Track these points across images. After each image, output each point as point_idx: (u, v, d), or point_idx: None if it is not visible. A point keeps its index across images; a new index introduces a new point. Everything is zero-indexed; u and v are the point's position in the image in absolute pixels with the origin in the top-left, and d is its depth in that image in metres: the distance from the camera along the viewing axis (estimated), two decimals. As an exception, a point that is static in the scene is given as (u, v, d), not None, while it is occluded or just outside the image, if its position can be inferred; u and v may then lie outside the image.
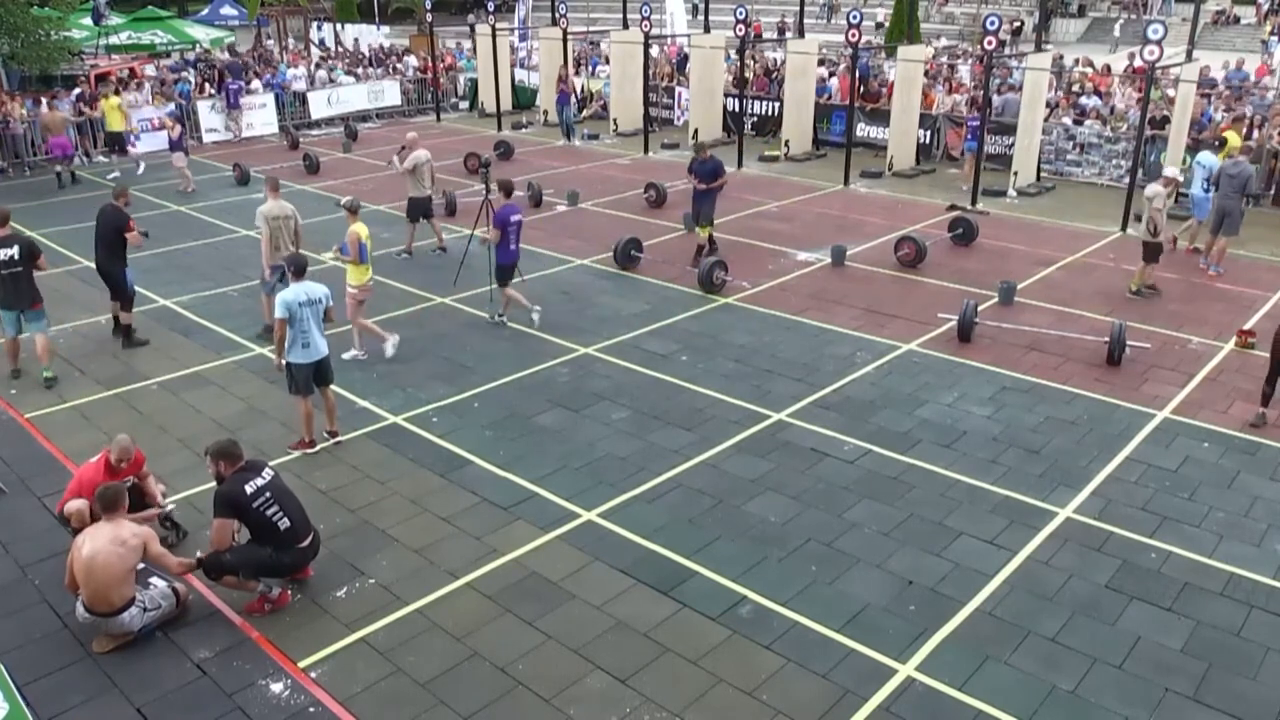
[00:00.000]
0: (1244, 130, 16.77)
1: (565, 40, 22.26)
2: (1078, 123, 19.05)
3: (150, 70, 25.18)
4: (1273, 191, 16.74)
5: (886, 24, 35.53)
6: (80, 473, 6.85)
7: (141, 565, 6.06)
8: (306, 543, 6.42)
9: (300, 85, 25.22)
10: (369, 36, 35.04)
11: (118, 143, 20.74)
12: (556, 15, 22.88)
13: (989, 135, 17.74)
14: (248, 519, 6.20)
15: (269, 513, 6.20)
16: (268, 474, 6.36)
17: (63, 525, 6.78)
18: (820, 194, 17.75)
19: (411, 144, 13.84)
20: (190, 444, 8.49)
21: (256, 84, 24.35)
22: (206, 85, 24.16)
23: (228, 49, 30.56)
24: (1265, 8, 38.95)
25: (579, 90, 25.28)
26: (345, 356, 10.09)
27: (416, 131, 15.17)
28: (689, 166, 13.49)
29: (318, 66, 27.05)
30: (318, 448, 8.40)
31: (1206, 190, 13.30)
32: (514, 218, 10.86)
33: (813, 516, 7.39)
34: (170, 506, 7.17)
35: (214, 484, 6.35)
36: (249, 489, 6.16)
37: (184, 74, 25.07)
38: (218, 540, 6.17)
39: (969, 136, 17.65)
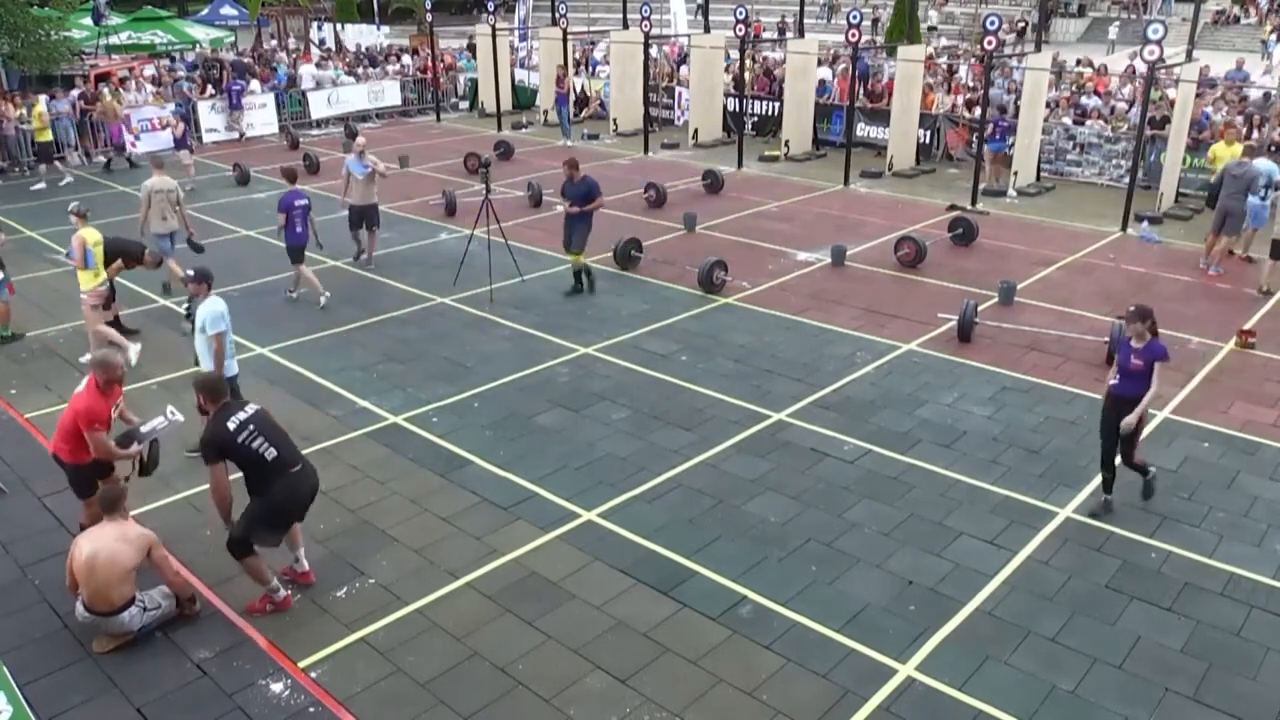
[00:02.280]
0: (1244, 133, 16.77)
1: (565, 40, 22.26)
2: (1078, 123, 19.05)
3: (150, 70, 25.15)
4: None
5: (887, 23, 35.53)
6: (74, 403, 6.51)
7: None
8: (298, 468, 6.24)
9: (309, 84, 25.22)
10: (369, 37, 35.04)
11: (45, 154, 18.86)
12: (556, 15, 22.88)
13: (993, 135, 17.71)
14: (236, 456, 6.03)
15: (254, 445, 6.03)
16: (251, 408, 6.25)
17: (59, 464, 6.67)
18: (820, 194, 17.75)
19: (364, 147, 13.32)
20: (190, 444, 8.48)
21: (255, 84, 24.34)
22: (208, 85, 24.15)
23: (234, 49, 30.54)
24: (1265, 8, 38.96)
25: (576, 90, 25.25)
26: (83, 360, 9.95)
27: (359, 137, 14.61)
28: (561, 188, 12.28)
29: (319, 66, 27.05)
30: None
31: (1264, 198, 13.22)
32: (298, 203, 11.66)
33: (813, 516, 7.39)
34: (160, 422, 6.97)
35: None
36: (231, 424, 6.03)
37: (186, 73, 25.06)
38: (217, 489, 6.04)
39: (996, 136, 17.61)
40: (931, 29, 39.38)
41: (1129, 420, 7.10)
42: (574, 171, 12.04)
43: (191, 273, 8.10)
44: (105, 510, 6.00)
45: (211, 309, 7.81)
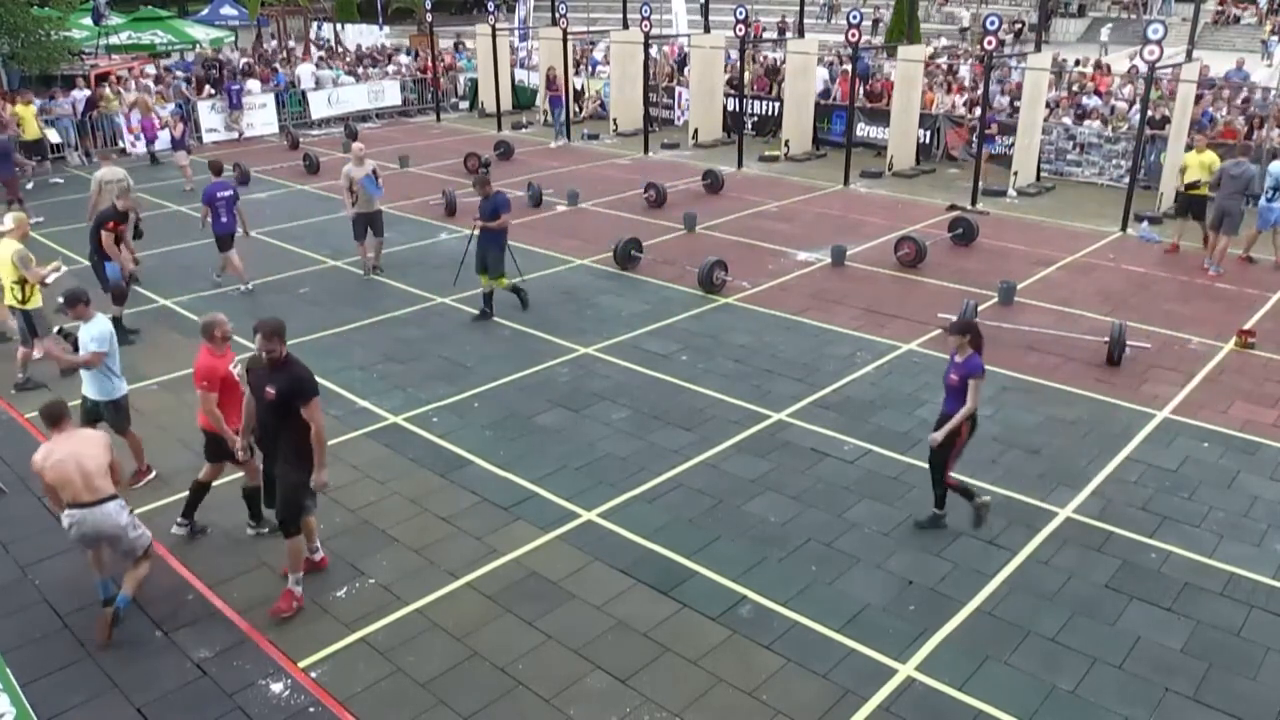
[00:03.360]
0: (1244, 134, 16.79)
1: (565, 40, 22.27)
2: (1078, 123, 19.04)
3: (150, 70, 25.15)
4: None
5: (888, 23, 35.53)
6: (203, 370, 6.74)
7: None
8: None
9: (309, 84, 25.22)
10: (369, 36, 35.05)
11: (37, 152, 18.99)
12: (556, 15, 22.89)
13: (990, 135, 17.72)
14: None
15: None
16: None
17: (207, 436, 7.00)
18: (820, 194, 17.74)
19: (365, 154, 13.07)
20: (190, 444, 8.48)
21: (255, 84, 24.34)
22: (205, 85, 24.13)
23: (236, 50, 30.54)
24: (1265, 8, 38.95)
25: (573, 90, 25.13)
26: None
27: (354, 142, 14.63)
28: (479, 207, 11.19)
29: (320, 66, 27.05)
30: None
31: (1271, 199, 13.27)
32: (220, 193, 11.98)
33: (813, 516, 7.39)
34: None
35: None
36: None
37: (184, 73, 25.06)
38: (322, 427, 6.15)
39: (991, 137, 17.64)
40: (941, 44, 39.34)
41: (934, 436, 6.90)
42: (485, 189, 11.08)
43: (62, 299, 7.70)
44: (51, 424, 6.13)
45: (98, 330, 7.45)
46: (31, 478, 7.87)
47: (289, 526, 6.27)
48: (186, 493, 7.22)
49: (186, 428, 8.81)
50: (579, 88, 25.84)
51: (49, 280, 9.52)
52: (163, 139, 20.65)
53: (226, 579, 6.65)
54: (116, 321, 10.65)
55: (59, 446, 6.04)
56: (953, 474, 7.12)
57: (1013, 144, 17.90)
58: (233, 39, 31.73)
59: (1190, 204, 13.77)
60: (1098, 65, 23.78)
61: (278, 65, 26.94)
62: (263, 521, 7.13)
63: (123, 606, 6.08)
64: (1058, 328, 10.98)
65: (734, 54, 22.81)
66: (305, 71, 25.89)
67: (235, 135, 23.21)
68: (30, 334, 9.55)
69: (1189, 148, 14.48)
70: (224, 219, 12.00)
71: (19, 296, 9.37)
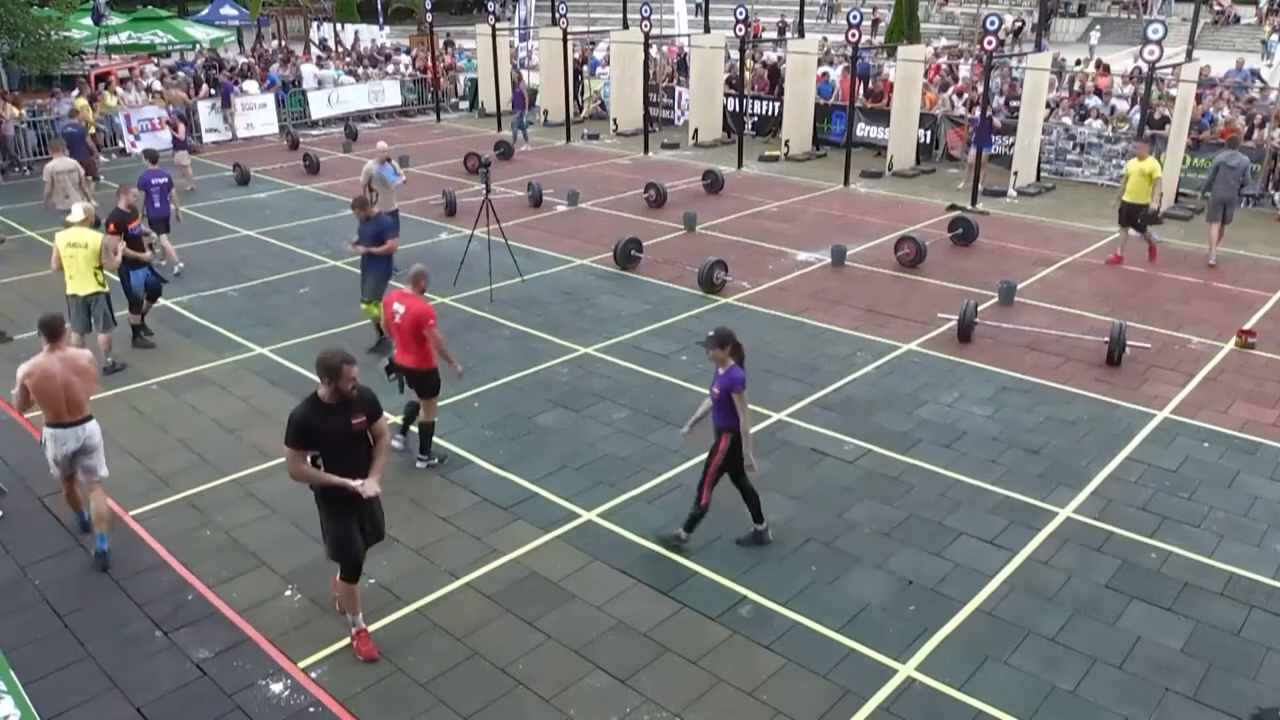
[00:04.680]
0: (1245, 133, 16.81)
1: (565, 40, 22.26)
2: (1078, 123, 19.04)
3: (151, 69, 25.14)
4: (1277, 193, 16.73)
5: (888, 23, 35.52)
6: (410, 310, 7.62)
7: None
8: None
9: (310, 84, 25.21)
10: (369, 36, 35.01)
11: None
12: (556, 15, 22.89)
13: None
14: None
15: None
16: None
17: (409, 375, 7.83)
18: (820, 194, 17.74)
19: (389, 153, 13.00)
20: (190, 444, 8.50)
21: (252, 85, 24.32)
22: (202, 85, 24.12)
23: (238, 50, 30.53)
24: (1265, 8, 38.95)
25: (528, 92, 24.63)
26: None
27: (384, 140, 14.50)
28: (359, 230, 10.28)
29: (319, 66, 27.05)
30: None
31: None
32: (155, 180, 12.79)
33: (813, 516, 7.39)
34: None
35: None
36: None
37: (185, 74, 25.05)
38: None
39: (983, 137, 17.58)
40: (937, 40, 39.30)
41: (748, 460, 6.64)
42: (364, 211, 10.17)
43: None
44: (50, 338, 6.63)
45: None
46: (31, 478, 7.91)
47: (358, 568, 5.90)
48: (187, 493, 7.20)
49: (186, 428, 8.84)
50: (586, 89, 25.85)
51: (118, 259, 10.30)
52: (163, 139, 20.62)
53: (226, 579, 6.65)
54: (135, 328, 10.69)
55: (52, 366, 6.58)
56: (710, 493, 6.77)
57: (1012, 144, 17.91)
58: (233, 39, 31.70)
59: (1131, 213, 13.31)
60: (1102, 65, 23.77)
61: (276, 64, 26.91)
62: (432, 454, 8.08)
63: (104, 547, 6.73)
64: (1058, 328, 10.98)
65: (734, 54, 22.79)
66: (307, 71, 25.90)
67: (231, 135, 23.14)
68: (111, 318, 9.90)
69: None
70: (158, 204, 12.82)
71: (100, 281, 9.66)
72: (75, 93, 20.40)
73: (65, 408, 6.58)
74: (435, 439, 8.20)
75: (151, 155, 13.57)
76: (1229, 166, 13.16)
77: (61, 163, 13.48)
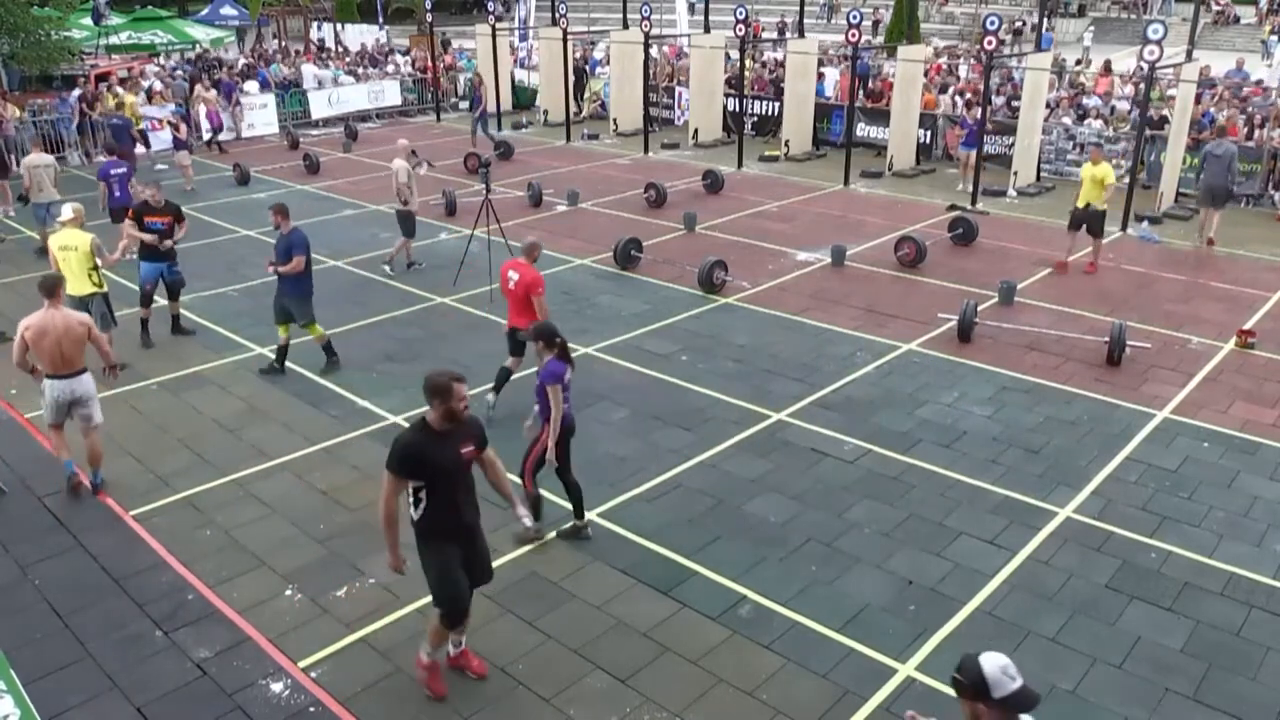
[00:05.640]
0: (1245, 133, 16.83)
1: (565, 40, 22.26)
2: (1078, 123, 19.04)
3: (151, 69, 25.13)
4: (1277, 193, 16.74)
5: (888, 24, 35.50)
6: (523, 279, 8.44)
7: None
8: None
9: (310, 84, 25.20)
10: (369, 36, 35.03)
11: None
12: (556, 15, 22.89)
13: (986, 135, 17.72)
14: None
15: None
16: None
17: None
18: (820, 194, 17.74)
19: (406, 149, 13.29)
20: (190, 444, 8.50)
21: (252, 85, 24.32)
22: (204, 82, 24.10)
23: (239, 50, 30.53)
24: (1265, 8, 38.94)
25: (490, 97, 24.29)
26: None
27: (406, 138, 14.94)
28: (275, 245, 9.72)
29: (318, 66, 27.05)
30: None
31: None
32: (114, 171, 13.35)
33: (813, 516, 7.39)
34: None
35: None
36: None
37: (185, 74, 25.06)
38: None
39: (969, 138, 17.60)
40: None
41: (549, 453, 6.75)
42: (280, 220, 9.52)
43: None
44: (48, 295, 7.39)
45: None
46: (31, 478, 7.92)
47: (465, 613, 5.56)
48: (187, 493, 7.20)
49: (186, 428, 8.83)
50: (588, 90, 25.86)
51: (130, 256, 10.68)
52: (164, 139, 20.61)
53: (226, 579, 6.65)
54: (144, 322, 10.71)
55: (48, 322, 7.31)
56: (534, 480, 6.99)
57: (1012, 144, 17.90)
58: (233, 39, 31.70)
59: (1085, 218, 12.93)
60: (1103, 66, 23.77)
61: (276, 61, 26.89)
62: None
63: (98, 480, 7.62)
64: (1058, 328, 10.98)
65: (734, 54, 22.79)
66: (307, 71, 25.89)
67: (231, 135, 23.13)
68: (110, 318, 9.92)
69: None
70: (118, 194, 13.27)
71: (96, 281, 9.68)
72: (113, 88, 21.38)
73: (60, 360, 7.39)
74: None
75: (109, 147, 14.31)
76: (1215, 155, 13.94)
77: (39, 158, 13.93)
